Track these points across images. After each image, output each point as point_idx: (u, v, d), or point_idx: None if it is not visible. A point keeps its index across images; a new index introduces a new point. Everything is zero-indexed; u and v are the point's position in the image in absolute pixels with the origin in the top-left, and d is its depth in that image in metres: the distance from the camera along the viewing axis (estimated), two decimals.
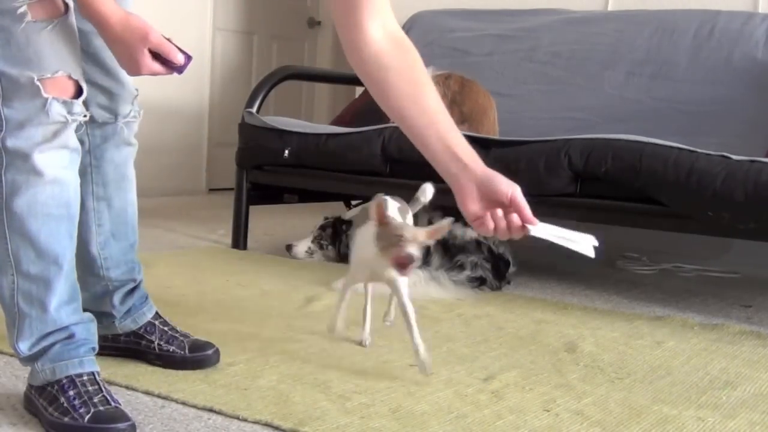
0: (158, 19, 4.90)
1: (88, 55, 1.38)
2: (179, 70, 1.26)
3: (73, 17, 1.26)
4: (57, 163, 1.25)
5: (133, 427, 1.23)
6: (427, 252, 2.61)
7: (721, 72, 2.86)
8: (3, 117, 1.22)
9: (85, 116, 1.28)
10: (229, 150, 3.38)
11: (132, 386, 1.41)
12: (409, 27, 3.53)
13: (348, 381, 1.50)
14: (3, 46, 1.20)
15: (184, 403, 1.35)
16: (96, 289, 1.53)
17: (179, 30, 4.55)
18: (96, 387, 1.27)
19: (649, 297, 2.50)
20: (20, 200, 1.24)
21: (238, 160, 2.96)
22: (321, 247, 2.82)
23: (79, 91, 1.25)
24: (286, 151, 2.80)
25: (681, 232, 2.50)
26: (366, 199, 2.55)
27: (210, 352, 1.56)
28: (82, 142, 1.39)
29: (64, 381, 1.26)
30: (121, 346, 1.58)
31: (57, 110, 1.23)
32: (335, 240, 2.80)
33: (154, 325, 1.58)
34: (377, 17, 1.23)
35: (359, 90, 3.49)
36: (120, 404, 1.27)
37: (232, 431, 1.26)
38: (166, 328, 1.58)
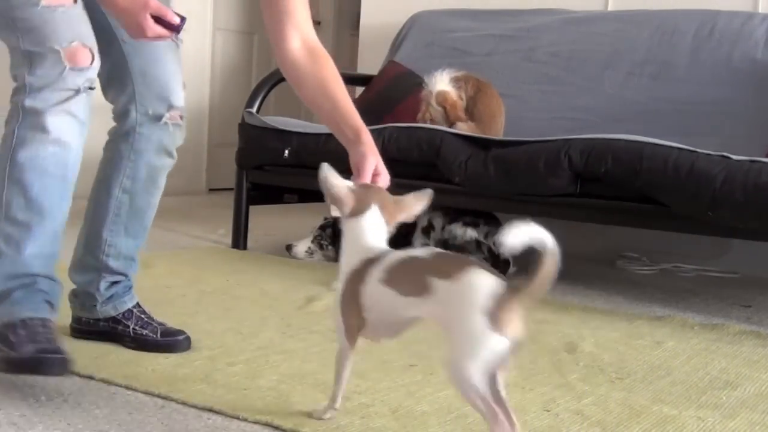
0: None
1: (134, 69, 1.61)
2: (177, 29, 1.42)
3: (81, 7, 1.45)
4: (64, 127, 1.43)
5: (67, 361, 1.35)
6: None
7: (721, 72, 2.86)
8: (26, 84, 1.41)
9: (91, 87, 1.46)
10: (229, 150, 3.38)
11: (132, 386, 1.41)
12: (409, 27, 3.53)
13: (348, 381, 1.49)
14: (26, 32, 1.41)
15: (184, 403, 1.35)
16: (89, 270, 1.66)
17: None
18: (46, 329, 1.40)
19: (649, 297, 2.50)
20: (24, 153, 1.41)
21: (238, 160, 2.96)
22: (321, 247, 2.82)
23: (92, 60, 1.44)
24: (286, 151, 2.80)
25: (681, 232, 2.50)
26: None
27: (181, 337, 1.65)
28: (127, 134, 1.64)
29: (18, 323, 1.39)
30: (100, 330, 1.67)
31: (72, 78, 1.42)
32: (335, 240, 2.80)
33: (132, 311, 1.67)
34: (297, 31, 1.51)
35: (359, 90, 3.49)
36: (64, 351, 1.36)
37: (232, 431, 1.26)
38: (143, 315, 1.67)
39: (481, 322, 1.08)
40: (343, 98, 1.49)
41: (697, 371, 1.70)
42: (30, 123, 1.41)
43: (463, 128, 2.69)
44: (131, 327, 1.65)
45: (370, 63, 3.68)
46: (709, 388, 1.59)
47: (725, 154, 2.17)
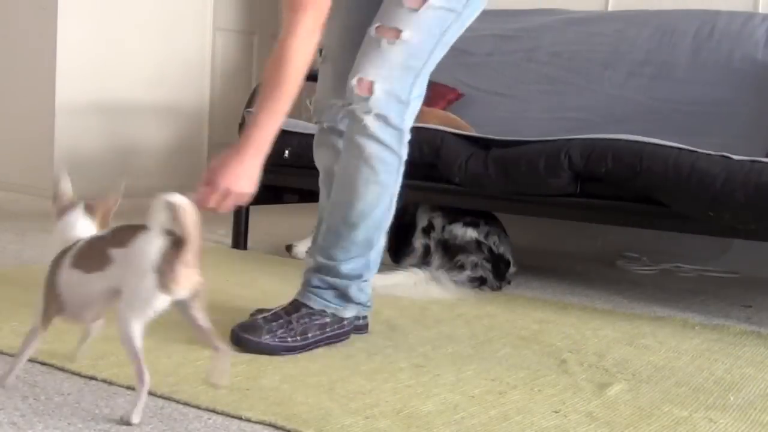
0: (158, 19, 4.89)
1: None
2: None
3: (325, 64, 1.81)
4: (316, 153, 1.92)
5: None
6: (427, 252, 2.60)
7: (721, 72, 2.86)
8: None
9: (318, 121, 1.85)
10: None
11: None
12: None
13: (352, 381, 1.49)
14: None
15: (186, 404, 1.34)
16: (316, 235, 1.85)
17: (179, 30, 4.56)
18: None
19: (650, 297, 2.50)
20: None
21: None
22: None
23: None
24: (286, 151, 2.79)
25: (681, 232, 2.50)
26: None
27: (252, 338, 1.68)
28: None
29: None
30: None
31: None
32: None
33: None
34: None
35: None
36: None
37: (233, 431, 1.26)
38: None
39: (150, 282, 1.23)
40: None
41: (701, 372, 1.70)
42: None
43: None
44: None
45: None
46: (715, 389, 1.58)
47: (726, 154, 2.16)
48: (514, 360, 1.70)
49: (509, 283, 2.52)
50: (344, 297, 1.71)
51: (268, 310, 1.75)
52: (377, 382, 1.50)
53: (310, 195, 3.12)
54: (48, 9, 4.04)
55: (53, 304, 1.33)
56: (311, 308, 1.71)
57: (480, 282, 2.45)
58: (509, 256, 2.52)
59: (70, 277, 1.31)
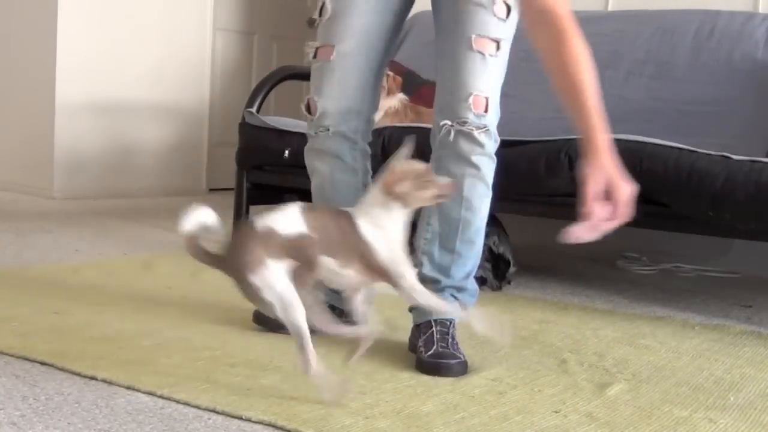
0: (159, 18, 4.91)
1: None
2: None
3: (336, 64, 1.67)
4: (311, 163, 1.78)
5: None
6: None
7: (721, 72, 2.86)
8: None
9: (328, 129, 1.70)
10: (229, 150, 3.37)
11: (133, 387, 1.40)
12: (409, 27, 3.52)
13: (352, 381, 1.49)
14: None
15: (186, 404, 1.34)
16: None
17: (179, 30, 4.56)
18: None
19: (650, 297, 2.50)
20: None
21: (238, 160, 2.95)
22: None
23: (316, 111, 1.69)
24: (286, 151, 2.80)
25: (681, 232, 2.50)
26: None
27: (453, 361, 1.57)
28: (435, 148, 1.66)
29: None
30: (411, 340, 1.70)
31: (309, 126, 1.74)
32: None
33: (432, 324, 1.64)
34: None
35: None
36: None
37: (233, 431, 1.26)
38: (434, 330, 1.63)
39: None
40: (583, 94, 1.49)
41: (701, 372, 1.70)
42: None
43: (395, 104, 2.86)
44: (419, 341, 1.63)
45: None
46: (715, 389, 1.58)
47: (726, 154, 2.16)
48: (514, 360, 1.70)
49: (509, 283, 2.52)
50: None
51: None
52: (378, 382, 1.50)
53: (310, 195, 3.12)
54: (48, 9, 4.04)
55: None
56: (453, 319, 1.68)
57: (480, 282, 2.44)
58: (509, 256, 2.52)
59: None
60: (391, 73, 2.99)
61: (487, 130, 1.62)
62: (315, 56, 1.70)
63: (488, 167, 1.66)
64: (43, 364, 1.49)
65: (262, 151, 2.89)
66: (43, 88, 4.09)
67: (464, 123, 1.60)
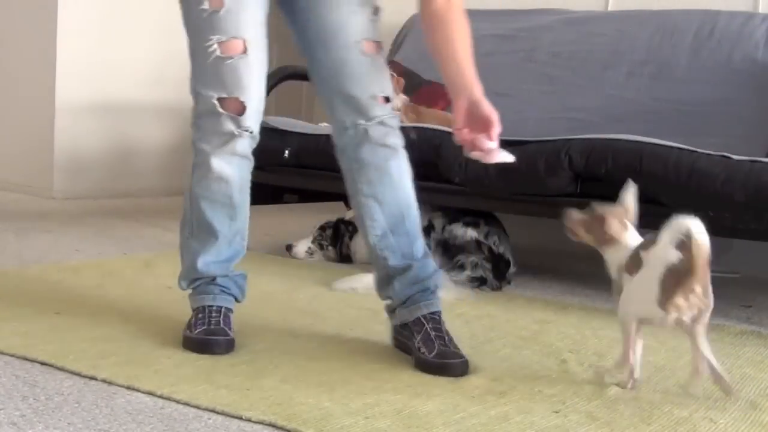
0: (159, 19, 4.89)
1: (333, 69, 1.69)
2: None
3: (252, 59, 1.61)
4: (225, 166, 1.66)
5: (231, 342, 1.64)
6: None
7: (721, 72, 2.86)
8: (196, 125, 1.66)
9: (251, 131, 1.64)
10: None
11: (133, 387, 1.40)
12: (409, 27, 3.53)
13: (352, 381, 1.49)
14: (199, 73, 1.63)
15: (186, 404, 1.34)
16: (380, 273, 1.74)
17: (179, 30, 4.54)
18: (217, 315, 1.68)
19: None
20: (197, 187, 1.69)
21: None
22: (321, 247, 2.82)
23: (244, 109, 1.61)
24: (286, 152, 2.80)
25: None
26: None
27: (457, 361, 1.59)
28: (343, 149, 1.72)
29: (199, 308, 1.71)
30: (400, 339, 1.70)
31: (228, 125, 1.61)
32: (336, 241, 2.80)
33: (423, 320, 1.66)
34: None
35: None
36: (228, 333, 1.65)
37: (233, 431, 1.26)
38: (427, 327, 1.65)
39: (650, 294, 1.45)
40: (462, 55, 1.63)
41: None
42: (200, 164, 1.67)
43: (396, 104, 2.85)
44: (416, 340, 1.63)
45: None
46: (715, 389, 1.58)
47: (726, 154, 2.16)
48: (514, 360, 1.70)
49: (509, 283, 2.52)
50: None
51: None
52: (377, 382, 1.50)
53: (310, 195, 3.13)
54: (48, 9, 4.04)
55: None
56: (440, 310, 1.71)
57: (480, 282, 2.45)
58: (509, 256, 2.52)
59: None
60: (394, 74, 2.99)
61: (394, 115, 1.73)
62: (221, 51, 1.59)
63: (402, 143, 1.73)
64: (43, 364, 1.49)
65: (262, 151, 2.87)
66: (43, 88, 4.09)
67: (374, 118, 1.69)
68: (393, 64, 3.37)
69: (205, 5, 1.60)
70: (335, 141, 1.75)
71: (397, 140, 1.72)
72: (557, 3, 3.38)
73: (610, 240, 1.60)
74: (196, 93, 1.64)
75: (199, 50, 1.60)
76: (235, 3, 1.61)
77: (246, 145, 1.66)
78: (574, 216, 1.64)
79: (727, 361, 1.79)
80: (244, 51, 1.60)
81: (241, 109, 1.60)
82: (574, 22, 3.23)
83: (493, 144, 1.56)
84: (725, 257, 3.01)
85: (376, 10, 1.71)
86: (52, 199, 4.04)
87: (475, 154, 1.57)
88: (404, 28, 3.52)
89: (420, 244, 1.73)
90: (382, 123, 1.69)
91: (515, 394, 1.48)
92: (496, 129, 1.56)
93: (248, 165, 1.71)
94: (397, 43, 3.49)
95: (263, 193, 3.06)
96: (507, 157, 1.57)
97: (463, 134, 1.58)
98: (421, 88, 3.20)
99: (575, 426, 1.34)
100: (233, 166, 1.67)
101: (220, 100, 1.59)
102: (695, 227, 1.39)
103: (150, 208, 3.86)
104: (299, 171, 2.82)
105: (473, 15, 3.94)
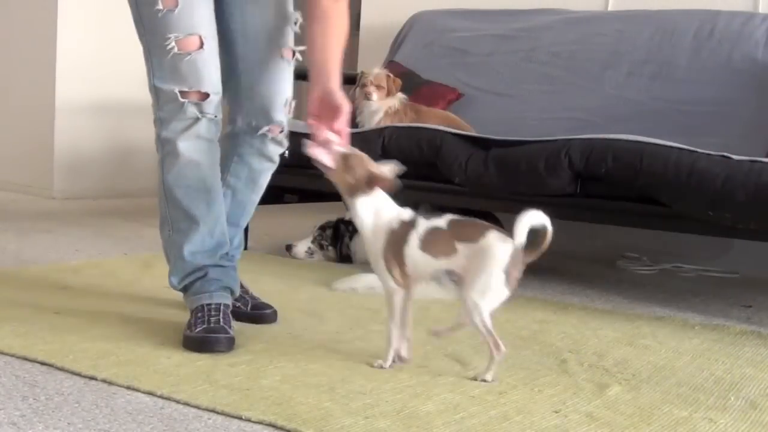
0: None
1: (244, 84, 1.83)
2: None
3: (208, 52, 1.68)
4: (192, 149, 1.70)
5: (231, 340, 1.64)
6: None
7: (721, 72, 2.86)
8: (159, 118, 1.71)
9: (213, 116, 1.71)
10: None
11: (133, 387, 1.40)
12: (409, 27, 3.53)
13: (352, 381, 1.49)
14: (158, 69, 1.69)
15: (186, 404, 1.34)
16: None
17: None
18: (216, 313, 1.69)
19: (650, 297, 2.50)
20: (169, 176, 1.72)
21: None
22: (321, 247, 2.82)
23: (207, 96, 1.68)
24: (286, 152, 2.79)
25: (681, 232, 2.50)
26: None
27: (268, 311, 1.88)
28: (233, 138, 1.86)
29: (197, 308, 1.71)
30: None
31: (191, 110, 1.68)
32: (336, 241, 2.80)
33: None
34: None
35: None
36: (231, 329, 1.67)
37: (233, 431, 1.26)
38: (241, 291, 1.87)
39: (500, 279, 1.56)
40: (332, 49, 1.71)
41: (701, 372, 1.70)
42: (168, 151, 1.71)
43: (395, 104, 2.92)
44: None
45: (370, 63, 3.66)
46: (715, 389, 1.58)
47: (726, 154, 2.16)
48: (514, 360, 1.70)
49: None
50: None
51: None
52: (377, 382, 1.50)
53: (310, 195, 3.12)
54: (48, 9, 4.04)
55: (400, 268, 1.56)
56: None
57: None
58: None
59: (418, 257, 1.55)
60: (390, 74, 2.99)
61: (287, 131, 1.89)
62: (179, 48, 1.66)
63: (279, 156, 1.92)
64: (43, 364, 1.49)
65: None
66: (43, 88, 4.09)
67: (278, 126, 1.85)
68: (393, 65, 3.37)
69: (159, 5, 1.68)
70: (228, 125, 1.86)
71: (279, 156, 1.91)
72: (557, 3, 3.38)
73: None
74: (155, 89, 1.70)
75: (157, 48, 1.68)
76: (187, 1, 1.68)
77: (210, 128, 1.72)
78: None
79: (727, 360, 1.80)
80: (201, 46, 1.68)
81: (204, 97, 1.69)
82: (574, 22, 3.23)
83: (333, 136, 1.60)
84: (725, 257, 3.01)
85: (296, 21, 1.83)
86: (52, 199, 4.04)
87: (309, 146, 1.58)
88: (404, 29, 3.52)
89: (239, 239, 1.93)
90: (276, 142, 1.87)
91: (515, 394, 1.48)
92: (342, 120, 1.62)
93: (216, 149, 1.77)
94: (397, 44, 3.49)
95: (263, 193, 3.07)
96: (326, 159, 1.57)
97: (311, 122, 1.65)
98: (421, 88, 3.20)
99: (575, 426, 1.34)
100: (201, 149, 1.72)
101: (181, 92, 1.68)
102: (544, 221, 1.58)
103: (150, 208, 3.86)
104: (299, 171, 2.81)
105: (473, 15, 3.98)
